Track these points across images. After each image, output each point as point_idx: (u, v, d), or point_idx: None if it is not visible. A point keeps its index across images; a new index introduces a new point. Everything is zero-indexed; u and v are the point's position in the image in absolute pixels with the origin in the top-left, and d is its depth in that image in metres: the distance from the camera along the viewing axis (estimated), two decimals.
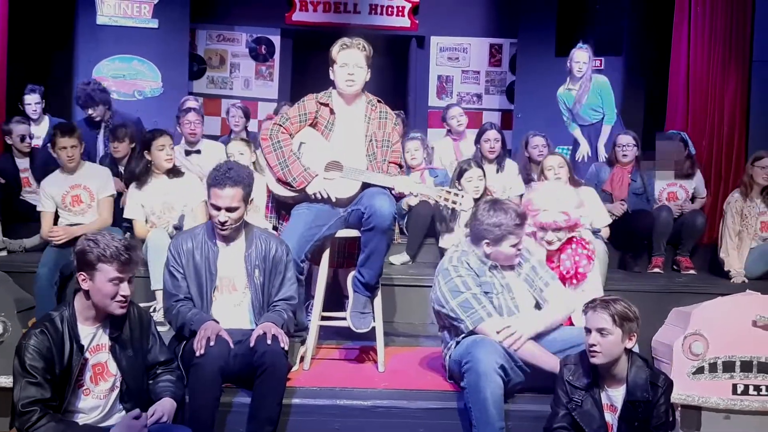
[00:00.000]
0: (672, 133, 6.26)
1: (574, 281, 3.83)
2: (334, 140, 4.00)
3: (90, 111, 6.40)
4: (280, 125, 3.98)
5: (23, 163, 5.89)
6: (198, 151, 6.08)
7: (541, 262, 3.74)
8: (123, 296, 2.88)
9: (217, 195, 3.42)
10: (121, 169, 5.88)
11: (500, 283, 3.60)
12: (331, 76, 4.02)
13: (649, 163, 6.07)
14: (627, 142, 6.10)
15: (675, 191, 6.11)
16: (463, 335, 3.51)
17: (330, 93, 4.06)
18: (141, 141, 5.27)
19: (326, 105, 4.02)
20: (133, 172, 5.13)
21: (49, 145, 5.22)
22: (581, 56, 6.53)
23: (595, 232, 5.25)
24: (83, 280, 2.88)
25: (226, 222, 3.45)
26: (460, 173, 5.29)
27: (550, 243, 3.80)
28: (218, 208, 3.43)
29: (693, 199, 6.12)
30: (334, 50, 3.97)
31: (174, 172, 5.06)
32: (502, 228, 3.51)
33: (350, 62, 3.93)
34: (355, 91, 4.00)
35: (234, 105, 7.26)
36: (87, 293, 2.89)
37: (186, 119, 6.17)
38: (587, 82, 6.55)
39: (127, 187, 5.20)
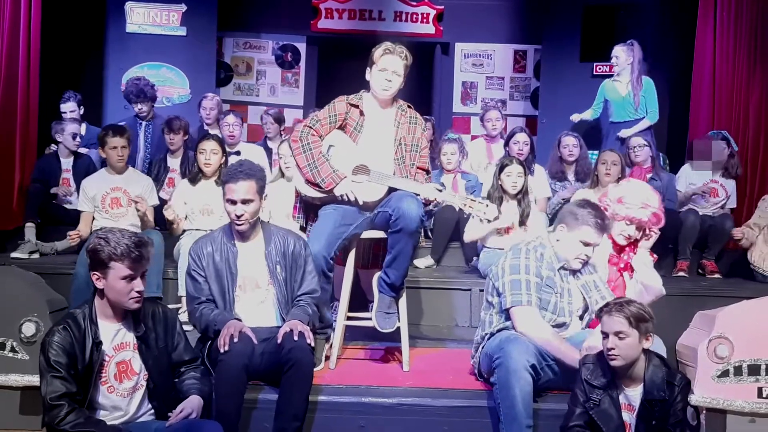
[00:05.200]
0: (713, 133, 6.30)
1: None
2: (362, 142, 4.07)
3: (139, 106, 6.66)
4: (310, 127, 4.05)
5: (66, 163, 6.02)
6: (238, 153, 6.22)
7: (602, 279, 3.79)
8: (137, 292, 2.93)
9: (232, 189, 3.50)
10: (171, 163, 6.15)
11: (562, 285, 3.65)
12: (367, 77, 4.09)
13: (704, 164, 6.15)
14: (637, 143, 6.26)
15: (716, 188, 6.17)
16: (497, 327, 3.58)
17: (361, 95, 4.13)
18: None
19: (356, 107, 4.08)
20: (191, 169, 5.39)
21: (98, 146, 5.37)
22: (615, 51, 6.83)
23: None
24: (97, 279, 2.94)
25: (242, 215, 3.52)
26: (501, 168, 5.36)
27: (629, 238, 3.87)
28: (234, 202, 3.51)
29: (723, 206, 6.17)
30: (377, 53, 4.04)
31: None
32: (585, 217, 3.57)
33: (390, 68, 4.01)
34: (390, 96, 4.08)
35: (266, 112, 7.37)
36: (102, 291, 2.96)
37: (225, 122, 6.46)
38: (636, 81, 6.75)
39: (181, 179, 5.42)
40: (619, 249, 3.94)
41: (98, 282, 2.94)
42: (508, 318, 3.57)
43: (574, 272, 3.70)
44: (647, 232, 3.89)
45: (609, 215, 3.82)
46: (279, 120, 7.25)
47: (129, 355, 3.03)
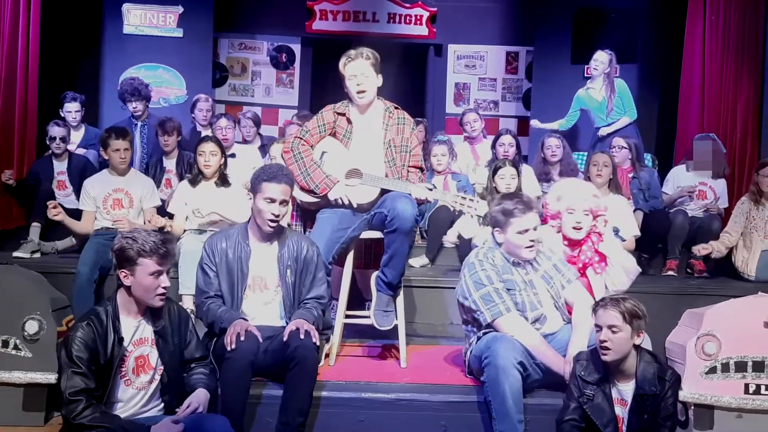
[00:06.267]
0: (703, 135, 6.40)
1: (598, 269, 3.96)
2: (353, 148, 4.14)
3: (134, 105, 6.64)
4: (301, 138, 4.13)
5: (60, 166, 6.04)
6: (233, 155, 6.24)
7: (563, 261, 3.85)
8: (164, 288, 3.04)
9: (272, 189, 3.57)
10: (167, 164, 6.16)
11: (523, 279, 3.71)
12: (345, 90, 4.15)
13: (705, 164, 6.23)
14: (617, 144, 6.42)
15: (705, 191, 6.25)
16: (483, 331, 3.63)
17: (347, 103, 4.19)
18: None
19: (343, 115, 4.16)
20: (187, 169, 5.45)
21: (99, 148, 5.43)
22: (598, 56, 6.98)
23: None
24: (125, 276, 3.02)
25: (278, 215, 3.59)
26: (495, 170, 5.46)
27: (578, 226, 3.90)
28: (273, 201, 3.57)
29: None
30: (341, 65, 4.10)
31: (222, 180, 5.17)
32: (506, 212, 3.65)
33: (358, 73, 4.06)
34: (369, 100, 4.13)
35: (244, 115, 7.38)
36: (128, 289, 3.04)
37: (218, 125, 6.44)
38: (609, 88, 6.89)
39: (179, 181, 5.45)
40: (573, 244, 3.99)
41: (125, 279, 3.02)
42: (487, 327, 3.63)
43: (531, 264, 3.77)
44: (597, 214, 3.96)
45: (552, 216, 3.93)
46: (257, 122, 7.31)
47: (147, 350, 3.13)
